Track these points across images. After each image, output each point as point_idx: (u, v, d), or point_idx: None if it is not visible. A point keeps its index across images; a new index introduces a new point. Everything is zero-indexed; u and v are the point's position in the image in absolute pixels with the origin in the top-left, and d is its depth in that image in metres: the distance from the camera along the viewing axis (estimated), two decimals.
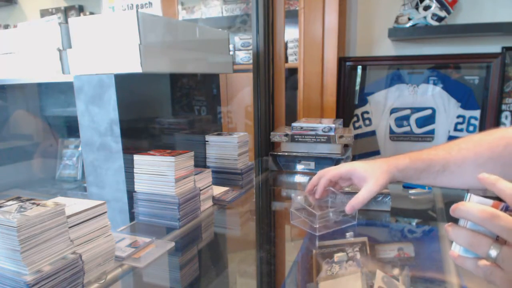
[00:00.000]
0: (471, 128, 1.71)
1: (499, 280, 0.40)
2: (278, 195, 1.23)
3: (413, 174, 0.76)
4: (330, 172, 0.82)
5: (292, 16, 2.02)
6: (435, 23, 1.60)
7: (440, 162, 0.72)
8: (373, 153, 1.87)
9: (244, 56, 2.19)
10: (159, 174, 0.84)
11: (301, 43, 1.71)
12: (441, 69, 1.74)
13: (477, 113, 1.70)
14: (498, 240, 0.41)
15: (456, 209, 0.43)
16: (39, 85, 1.35)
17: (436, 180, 0.74)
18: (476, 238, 0.41)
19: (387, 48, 1.81)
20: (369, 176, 0.76)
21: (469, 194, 0.43)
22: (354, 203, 0.75)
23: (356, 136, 1.87)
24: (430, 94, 1.76)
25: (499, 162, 0.66)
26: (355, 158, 1.86)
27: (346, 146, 1.35)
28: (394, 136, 1.84)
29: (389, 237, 0.86)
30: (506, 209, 0.41)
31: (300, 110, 1.76)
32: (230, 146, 1.14)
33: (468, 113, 1.71)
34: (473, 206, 0.42)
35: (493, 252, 0.40)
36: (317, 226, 0.79)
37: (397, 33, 1.67)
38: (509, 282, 0.40)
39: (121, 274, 0.66)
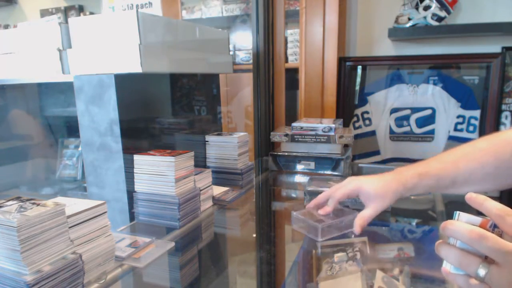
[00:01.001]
0: (471, 128, 1.71)
1: None
2: (278, 195, 1.23)
3: (421, 190, 0.75)
4: (338, 193, 0.81)
5: (292, 16, 2.02)
6: (435, 23, 1.60)
7: (448, 177, 0.72)
8: (373, 153, 1.87)
9: (244, 56, 2.19)
10: (159, 174, 0.84)
11: (302, 43, 1.71)
12: (441, 69, 1.74)
13: (477, 113, 1.70)
14: (487, 259, 0.42)
15: (445, 228, 0.44)
16: (39, 85, 1.35)
17: (445, 191, 0.74)
18: (465, 258, 0.43)
19: (387, 48, 1.81)
20: (377, 196, 0.75)
21: (457, 213, 0.44)
22: (360, 223, 0.75)
23: (356, 136, 1.86)
24: (430, 94, 1.76)
25: (504, 166, 0.67)
26: (355, 158, 1.86)
27: (346, 146, 1.35)
28: (394, 136, 1.84)
29: (389, 237, 0.86)
30: (494, 227, 0.42)
31: (301, 110, 1.76)
32: (230, 146, 1.14)
33: (468, 113, 1.71)
34: (461, 226, 0.43)
35: (482, 272, 0.41)
36: (320, 239, 0.78)
37: (397, 33, 1.67)
38: None
39: (121, 274, 0.66)
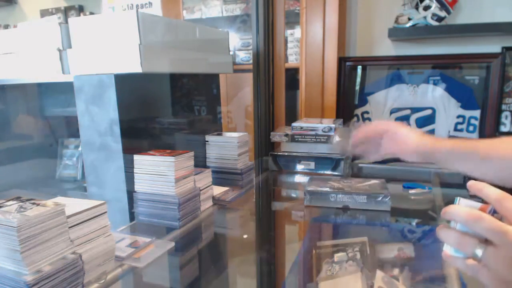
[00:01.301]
0: (471, 128, 1.71)
1: (486, 277, 0.42)
2: (278, 195, 1.23)
3: (451, 159, 0.74)
4: (374, 125, 0.85)
5: (292, 16, 2.02)
6: (435, 23, 1.60)
7: (482, 150, 0.70)
8: None
9: (244, 56, 2.19)
10: (159, 174, 0.84)
11: (302, 43, 1.71)
12: (441, 69, 1.74)
13: (477, 113, 1.70)
14: (486, 241, 0.43)
15: (446, 212, 0.46)
16: (39, 85, 1.35)
17: (479, 168, 0.71)
18: (463, 239, 0.44)
19: (387, 48, 1.81)
20: (411, 138, 0.77)
21: (458, 198, 0.46)
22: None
23: None
24: (430, 94, 1.76)
25: None
26: (355, 158, 1.86)
27: None
28: None
29: (389, 237, 0.86)
30: (493, 212, 0.44)
31: (301, 110, 1.76)
32: (230, 146, 1.14)
33: (468, 113, 1.71)
34: (460, 209, 0.44)
35: (479, 252, 0.42)
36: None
37: (397, 33, 1.67)
38: (494, 279, 0.42)
39: (121, 274, 0.66)
